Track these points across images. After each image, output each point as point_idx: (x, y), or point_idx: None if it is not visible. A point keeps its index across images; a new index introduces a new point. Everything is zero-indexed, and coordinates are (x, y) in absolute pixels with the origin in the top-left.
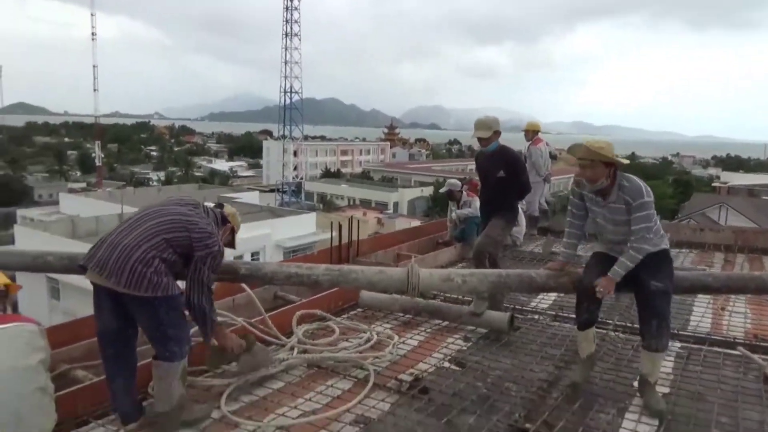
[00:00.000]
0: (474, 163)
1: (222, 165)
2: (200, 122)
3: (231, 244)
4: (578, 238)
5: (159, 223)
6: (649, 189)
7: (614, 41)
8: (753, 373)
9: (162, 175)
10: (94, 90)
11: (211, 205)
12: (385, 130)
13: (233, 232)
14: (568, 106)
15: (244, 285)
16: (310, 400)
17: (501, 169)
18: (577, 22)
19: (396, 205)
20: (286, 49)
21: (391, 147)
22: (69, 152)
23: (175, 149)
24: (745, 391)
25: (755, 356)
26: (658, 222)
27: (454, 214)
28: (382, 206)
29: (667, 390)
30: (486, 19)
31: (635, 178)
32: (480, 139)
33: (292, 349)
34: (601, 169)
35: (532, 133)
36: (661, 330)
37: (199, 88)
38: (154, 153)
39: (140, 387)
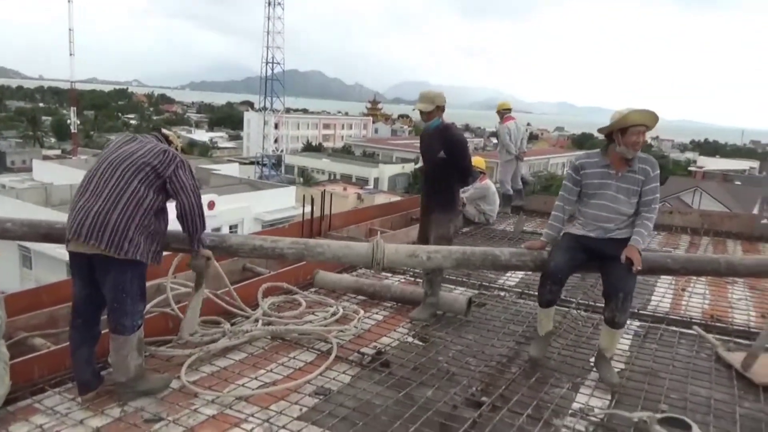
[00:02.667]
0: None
1: (202, 135)
2: (180, 91)
3: None
4: (564, 221)
5: (125, 169)
6: None
7: (604, 21)
8: (706, 352)
9: None
10: (70, 54)
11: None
12: (368, 105)
13: (177, 151)
14: (552, 87)
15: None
16: (271, 371)
17: (441, 149)
18: (568, 0)
19: (377, 180)
20: (268, 19)
21: (373, 122)
22: (44, 118)
23: (154, 118)
24: (697, 368)
25: (709, 336)
26: None
27: None
28: (362, 182)
29: (622, 366)
30: None
31: None
32: (421, 113)
33: (256, 321)
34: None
35: (502, 112)
36: (625, 304)
37: (180, 55)
38: (133, 121)
39: (100, 357)
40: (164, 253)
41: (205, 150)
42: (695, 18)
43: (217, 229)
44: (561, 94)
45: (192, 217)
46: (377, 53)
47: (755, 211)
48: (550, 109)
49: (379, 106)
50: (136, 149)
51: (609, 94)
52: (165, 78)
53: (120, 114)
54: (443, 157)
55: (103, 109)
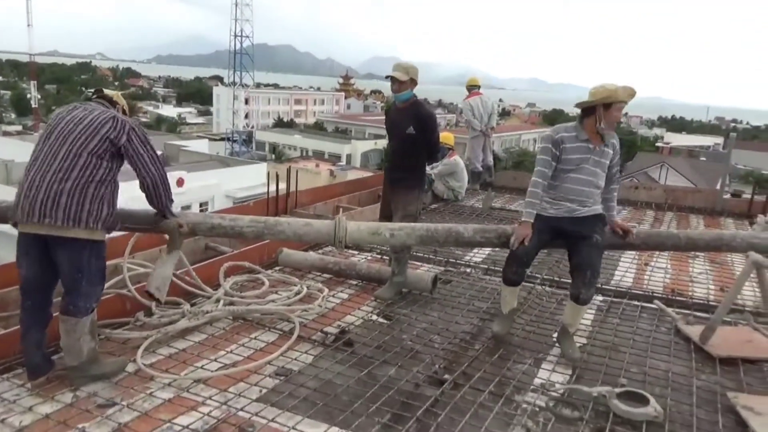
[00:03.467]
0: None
1: (170, 111)
2: (146, 65)
3: None
4: (542, 197)
5: (74, 141)
6: None
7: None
8: (665, 326)
9: None
10: (28, 25)
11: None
12: (340, 80)
13: (125, 113)
14: (524, 64)
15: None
16: (231, 352)
17: (411, 125)
18: None
19: (349, 157)
20: None
21: (345, 98)
22: (2, 92)
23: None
24: (656, 342)
25: (669, 309)
26: None
27: None
28: (335, 158)
29: (584, 341)
30: None
31: None
32: (393, 82)
33: (217, 301)
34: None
35: (468, 88)
36: (592, 281)
37: (146, 28)
38: None
39: (51, 341)
40: (121, 234)
41: (173, 126)
42: None
43: (187, 207)
44: (532, 71)
45: (156, 192)
46: (349, 28)
47: (719, 186)
48: (521, 86)
49: (352, 81)
50: (83, 117)
51: (580, 70)
52: (130, 51)
53: (83, 88)
54: (412, 133)
55: (66, 84)
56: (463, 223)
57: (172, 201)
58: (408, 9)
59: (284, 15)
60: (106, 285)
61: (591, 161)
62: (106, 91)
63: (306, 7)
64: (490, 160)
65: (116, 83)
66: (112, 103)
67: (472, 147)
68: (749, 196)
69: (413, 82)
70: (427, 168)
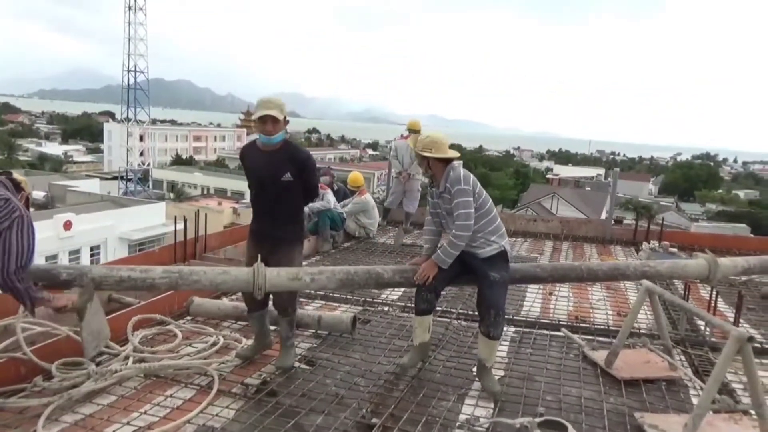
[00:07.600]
0: (241, 159)
1: (54, 149)
2: (27, 99)
3: None
4: (435, 233)
5: None
6: (470, 178)
7: (474, 36)
8: (574, 352)
9: None
10: None
11: None
12: (242, 116)
13: (27, 201)
14: (423, 101)
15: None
16: (146, 413)
17: (288, 171)
18: (441, 12)
19: None
20: (129, 24)
21: (248, 134)
22: None
23: None
24: (567, 369)
25: (575, 336)
26: (498, 221)
27: (306, 208)
28: (238, 196)
29: (502, 372)
30: (353, 3)
31: (461, 168)
32: (266, 121)
33: (126, 358)
34: (420, 159)
35: (408, 128)
36: (497, 319)
37: (26, 60)
38: None
39: None
40: None
41: (58, 164)
42: (553, 30)
43: (76, 252)
44: (431, 108)
45: (9, 287)
46: (251, 63)
47: (603, 215)
48: (422, 122)
49: (254, 117)
50: None
51: (476, 108)
52: (8, 85)
53: None
54: (290, 179)
55: None
56: (376, 261)
57: (37, 295)
58: (313, 45)
59: (182, 50)
60: None
61: (438, 204)
62: (16, 176)
63: (205, 43)
64: (412, 208)
65: None
66: (18, 188)
67: (393, 186)
68: (630, 222)
69: (286, 121)
70: (338, 206)
